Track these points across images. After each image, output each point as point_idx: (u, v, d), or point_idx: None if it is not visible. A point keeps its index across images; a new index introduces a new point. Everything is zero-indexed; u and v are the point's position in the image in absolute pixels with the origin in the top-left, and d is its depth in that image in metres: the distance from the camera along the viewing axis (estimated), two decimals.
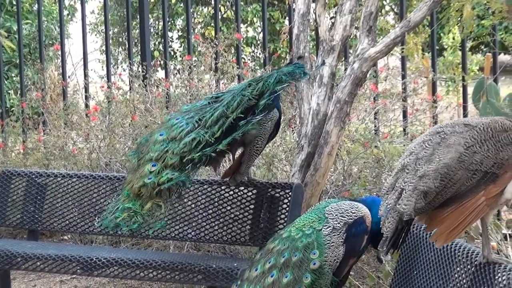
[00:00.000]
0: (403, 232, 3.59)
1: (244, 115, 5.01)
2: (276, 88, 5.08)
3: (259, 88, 5.05)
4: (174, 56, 19.29)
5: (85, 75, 8.91)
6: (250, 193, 5.60)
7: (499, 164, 3.42)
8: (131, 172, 5.06)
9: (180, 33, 20.23)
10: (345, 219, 4.16)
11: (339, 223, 4.15)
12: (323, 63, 5.89)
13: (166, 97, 8.01)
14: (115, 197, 5.16)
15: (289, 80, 5.16)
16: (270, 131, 5.21)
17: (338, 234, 4.12)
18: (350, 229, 4.15)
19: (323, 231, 4.13)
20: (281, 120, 5.49)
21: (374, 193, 6.46)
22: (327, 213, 4.19)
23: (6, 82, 13.17)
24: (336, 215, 4.17)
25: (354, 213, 4.19)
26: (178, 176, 4.88)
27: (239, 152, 5.40)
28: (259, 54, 19.37)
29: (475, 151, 3.43)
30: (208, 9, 20.21)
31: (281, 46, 16.33)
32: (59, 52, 9.92)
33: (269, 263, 4.12)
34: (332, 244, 4.10)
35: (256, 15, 18.87)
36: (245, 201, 5.60)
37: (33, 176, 6.27)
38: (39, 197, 6.19)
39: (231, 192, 5.65)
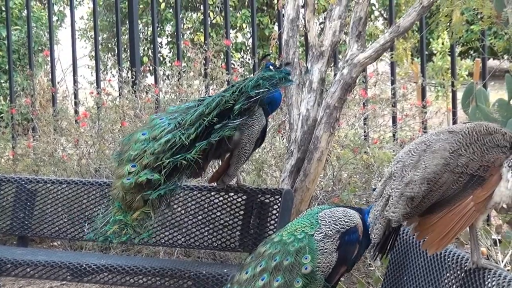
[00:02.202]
0: (391, 238, 3.61)
1: (222, 119, 4.96)
2: (252, 93, 5.02)
3: (238, 90, 5.01)
4: (164, 62, 19.28)
5: (75, 81, 8.90)
6: (240, 199, 5.59)
7: (485, 167, 3.42)
8: (116, 177, 5.05)
9: (169, 39, 20.22)
10: (338, 226, 4.14)
11: (331, 230, 4.13)
12: (307, 70, 5.89)
13: (156, 103, 8.01)
14: (106, 207, 5.14)
15: (266, 86, 5.07)
16: (257, 134, 5.16)
17: (332, 241, 4.10)
18: (344, 237, 4.13)
19: (316, 236, 4.11)
20: (268, 124, 5.45)
21: (364, 199, 6.46)
22: (320, 219, 4.17)
23: None
24: (329, 221, 4.15)
25: (347, 222, 4.17)
26: (158, 178, 4.83)
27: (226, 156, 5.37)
28: (249, 59, 19.35)
29: (460, 154, 3.44)
30: (197, 15, 20.20)
31: (271, 51, 16.32)
32: (49, 58, 9.88)
33: (260, 266, 4.10)
34: (325, 250, 4.08)
35: (246, 21, 18.87)
36: (235, 207, 5.59)
37: (23, 182, 6.26)
38: (28, 203, 6.17)
39: (221, 198, 5.64)
